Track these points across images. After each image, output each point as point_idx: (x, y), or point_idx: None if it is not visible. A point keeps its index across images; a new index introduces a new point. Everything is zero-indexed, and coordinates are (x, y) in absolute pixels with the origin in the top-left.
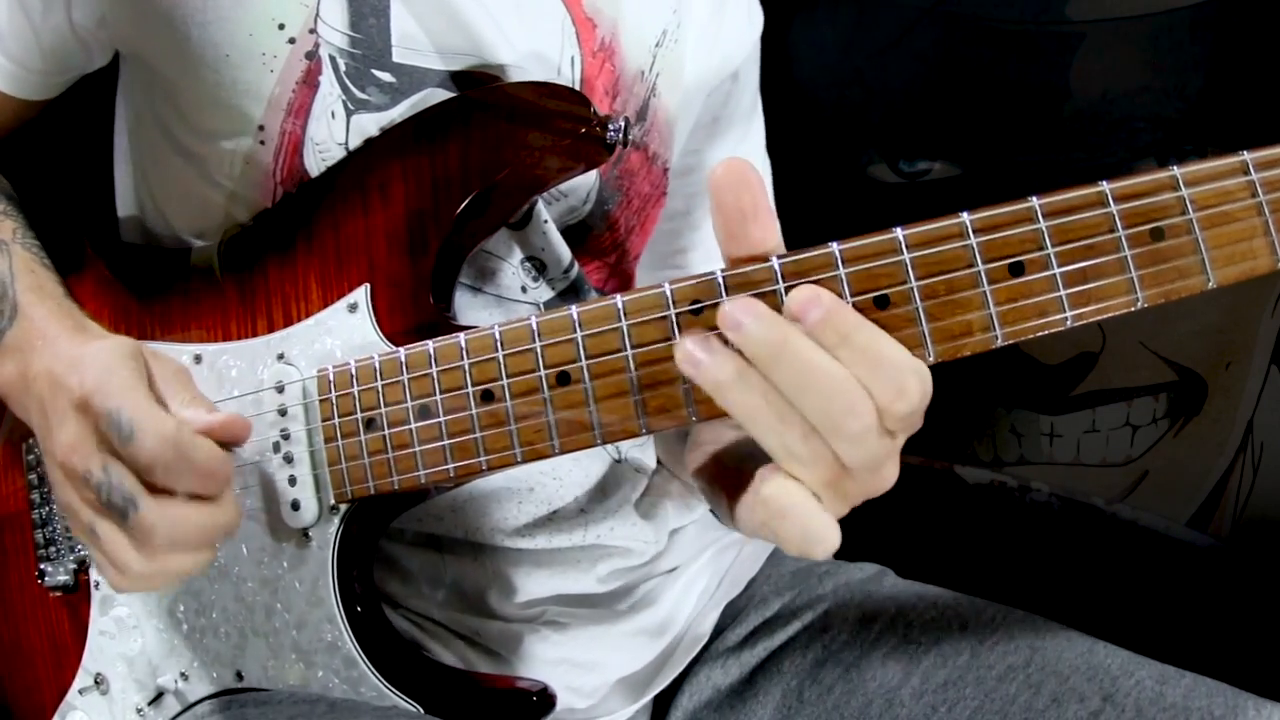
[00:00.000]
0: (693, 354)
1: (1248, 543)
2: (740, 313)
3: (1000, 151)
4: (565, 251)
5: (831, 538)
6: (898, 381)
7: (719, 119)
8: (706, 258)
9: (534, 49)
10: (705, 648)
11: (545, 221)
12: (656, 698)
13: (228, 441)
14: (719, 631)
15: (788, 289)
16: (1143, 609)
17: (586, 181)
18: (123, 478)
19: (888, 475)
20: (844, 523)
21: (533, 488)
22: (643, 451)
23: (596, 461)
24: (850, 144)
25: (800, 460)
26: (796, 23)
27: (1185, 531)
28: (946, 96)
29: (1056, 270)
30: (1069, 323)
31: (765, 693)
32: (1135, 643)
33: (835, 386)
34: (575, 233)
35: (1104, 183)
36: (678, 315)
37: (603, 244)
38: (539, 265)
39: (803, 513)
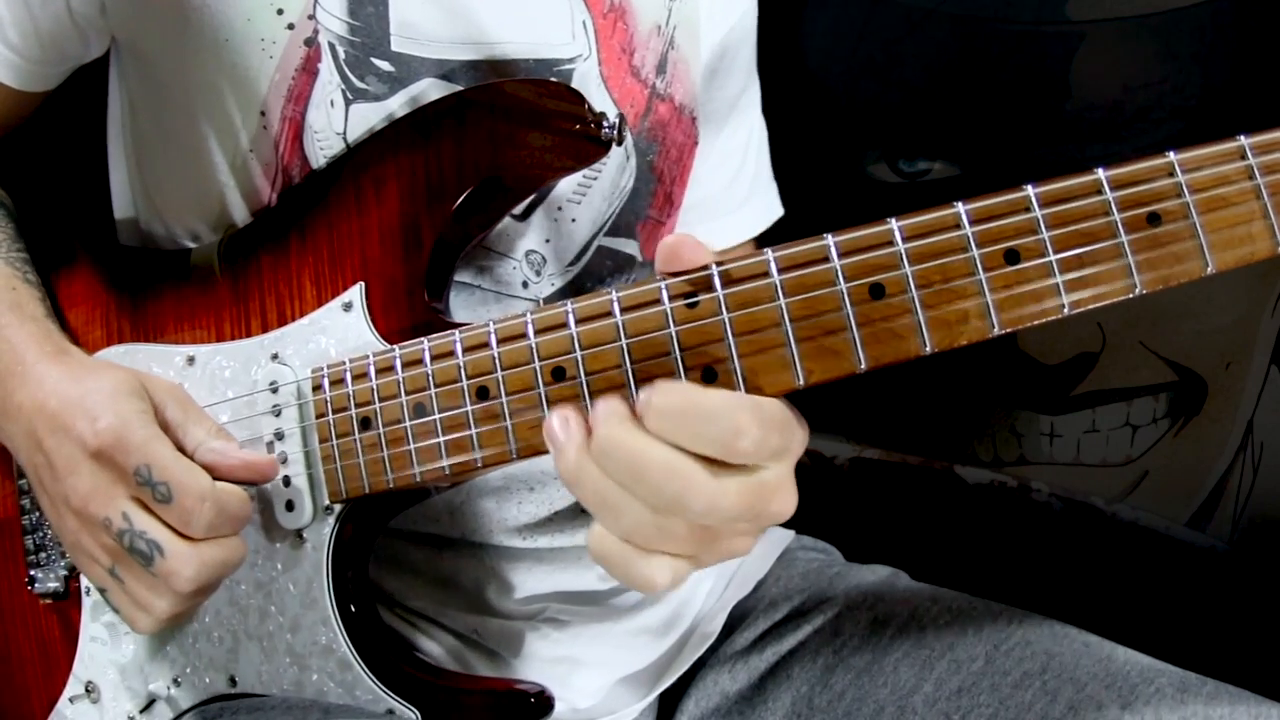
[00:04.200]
0: (552, 431)
1: (1248, 543)
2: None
3: (1000, 151)
4: (578, 240)
5: (659, 579)
6: (730, 423)
7: (717, 72)
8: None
9: (540, 23)
10: (713, 651)
11: (560, 208)
12: (663, 704)
13: (255, 482)
14: (727, 634)
15: (783, 282)
16: (1142, 609)
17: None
18: (146, 525)
19: (779, 509)
20: (846, 523)
21: (533, 488)
22: None
23: None
24: (850, 143)
25: (652, 541)
26: (805, 23)
27: (1185, 531)
28: (946, 96)
29: (1052, 257)
30: (1066, 310)
31: (775, 699)
32: (1134, 643)
33: (666, 469)
34: (637, 205)
35: (1099, 169)
36: (673, 308)
37: (658, 201)
38: (541, 259)
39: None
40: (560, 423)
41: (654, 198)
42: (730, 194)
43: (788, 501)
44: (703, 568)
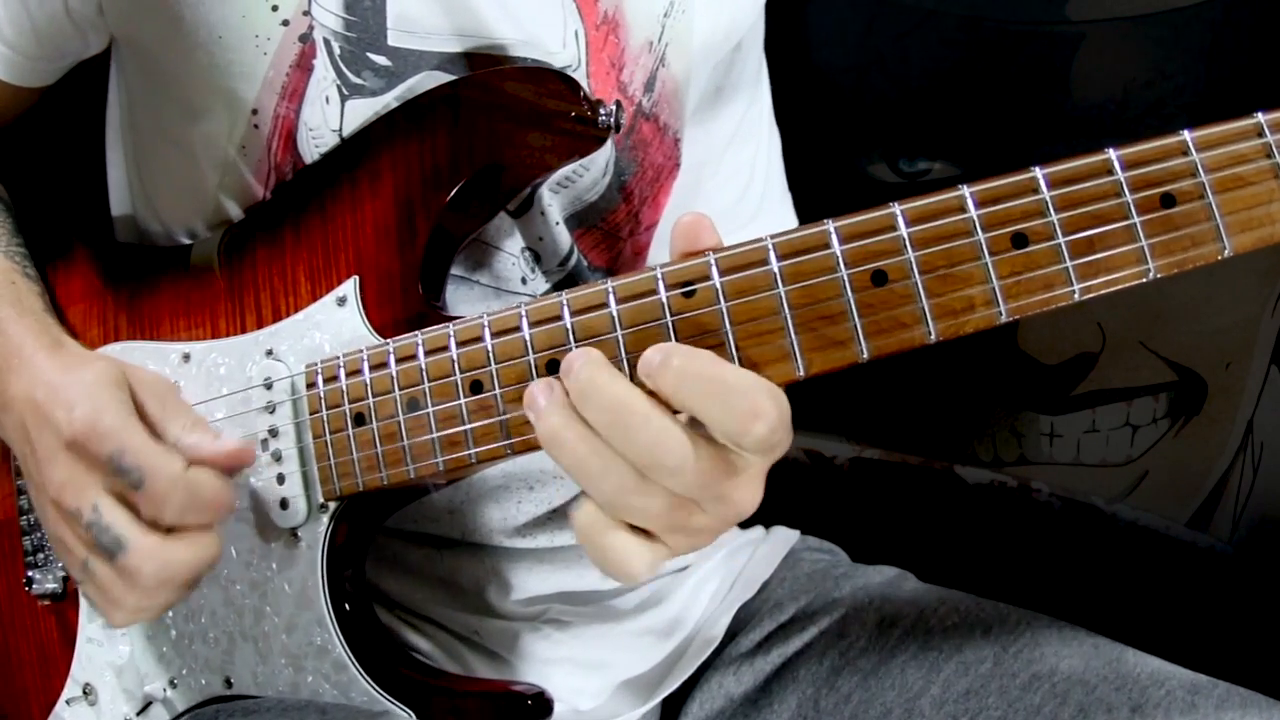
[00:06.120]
0: (534, 397)
1: (1247, 543)
2: (575, 359)
3: (1001, 151)
4: (564, 242)
5: (635, 561)
6: (750, 403)
7: (723, 88)
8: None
9: (535, 25)
10: (718, 653)
11: (543, 213)
12: (666, 706)
13: (232, 471)
14: (732, 636)
15: (782, 269)
16: (1142, 609)
17: (603, 154)
18: (112, 519)
19: (743, 500)
20: (847, 524)
21: (532, 487)
22: None
23: None
24: (851, 142)
25: (630, 511)
26: (808, 23)
27: (1185, 531)
28: (947, 96)
29: (1061, 240)
30: (1077, 295)
31: (781, 701)
32: (1134, 643)
33: (644, 416)
34: (587, 213)
35: (1110, 149)
36: (669, 298)
37: (617, 218)
38: (535, 256)
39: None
40: (543, 388)
41: (613, 214)
42: (738, 210)
43: (755, 496)
44: (675, 555)
